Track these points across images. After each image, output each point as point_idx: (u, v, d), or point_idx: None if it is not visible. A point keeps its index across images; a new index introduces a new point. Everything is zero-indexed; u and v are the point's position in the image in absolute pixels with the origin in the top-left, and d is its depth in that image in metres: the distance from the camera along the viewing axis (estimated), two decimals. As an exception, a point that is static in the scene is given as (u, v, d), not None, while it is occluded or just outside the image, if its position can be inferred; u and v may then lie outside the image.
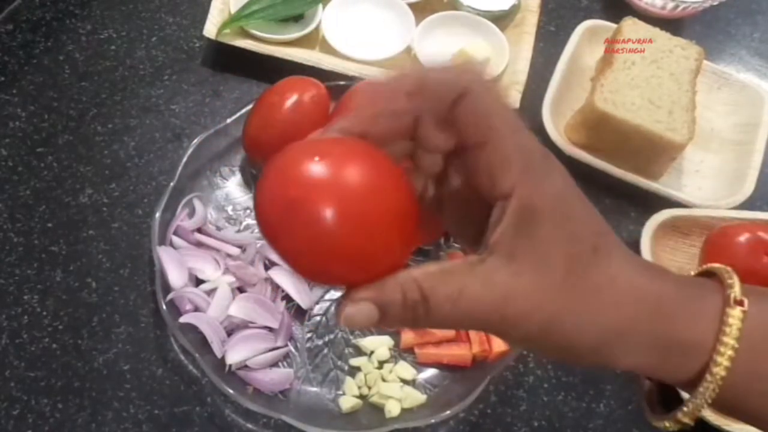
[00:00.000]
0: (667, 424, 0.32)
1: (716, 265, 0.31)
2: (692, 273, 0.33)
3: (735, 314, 0.28)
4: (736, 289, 0.29)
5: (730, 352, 0.28)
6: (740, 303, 0.29)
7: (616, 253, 0.29)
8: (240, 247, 0.58)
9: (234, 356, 0.53)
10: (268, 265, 0.58)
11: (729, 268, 0.30)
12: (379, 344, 0.57)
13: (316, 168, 0.26)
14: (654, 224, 0.62)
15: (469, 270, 0.28)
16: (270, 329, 0.55)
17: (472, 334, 0.56)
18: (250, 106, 0.61)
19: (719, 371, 0.28)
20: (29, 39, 0.70)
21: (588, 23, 0.72)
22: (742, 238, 0.59)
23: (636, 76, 0.66)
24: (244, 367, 0.54)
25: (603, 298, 0.28)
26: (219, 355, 0.53)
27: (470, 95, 0.28)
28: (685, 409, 0.30)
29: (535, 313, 0.28)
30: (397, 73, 0.29)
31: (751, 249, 0.58)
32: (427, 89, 0.29)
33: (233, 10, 0.69)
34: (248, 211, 0.61)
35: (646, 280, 0.29)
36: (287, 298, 0.57)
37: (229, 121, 0.61)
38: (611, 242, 0.29)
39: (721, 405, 0.30)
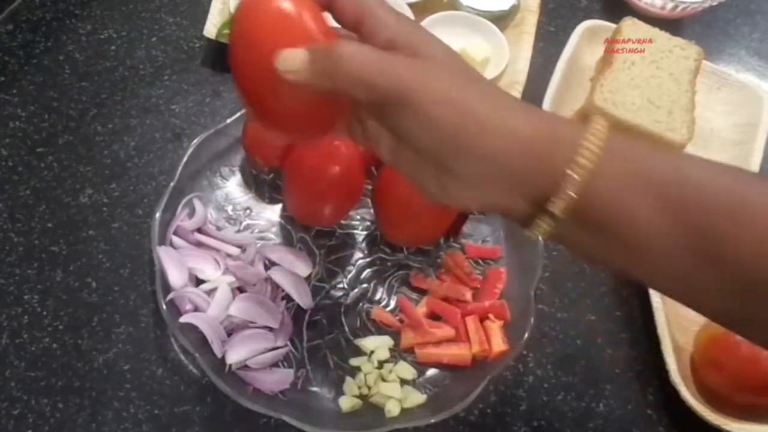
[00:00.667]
0: (543, 226, 0.34)
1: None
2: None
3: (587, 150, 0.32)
4: (597, 129, 0.33)
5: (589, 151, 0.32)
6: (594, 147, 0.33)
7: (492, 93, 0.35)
8: (240, 247, 0.58)
9: (234, 356, 0.53)
10: (268, 265, 0.58)
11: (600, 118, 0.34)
12: (379, 344, 0.57)
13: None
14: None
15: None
16: (270, 329, 0.55)
17: (472, 334, 0.56)
18: (250, 106, 0.61)
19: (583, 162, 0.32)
20: (29, 39, 0.70)
21: (588, 23, 0.73)
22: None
23: (636, 76, 0.66)
24: (244, 367, 0.54)
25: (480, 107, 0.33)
26: (219, 355, 0.53)
27: None
28: (554, 202, 0.33)
29: (419, 88, 0.33)
30: None
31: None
32: None
33: (233, 10, 0.69)
34: (248, 211, 0.61)
35: (521, 122, 0.34)
36: (287, 298, 0.57)
37: (229, 121, 0.61)
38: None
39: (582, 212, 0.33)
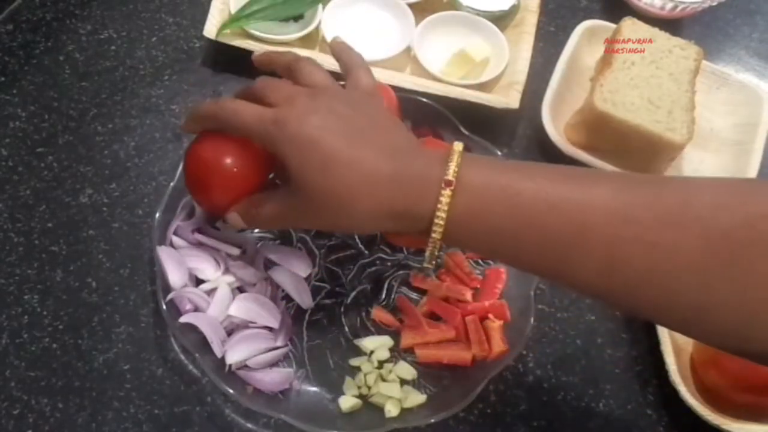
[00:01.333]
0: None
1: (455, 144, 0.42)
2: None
3: (445, 194, 0.41)
4: (451, 171, 0.41)
5: (441, 221, 0.41)
6: (449, 184, 0.41)
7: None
8: (240, 247, 0.58)
9: (234, 356, 0.53)
10: (268, 265, 0.58)
11: (457, 149, 0.42)
12: (379, 344, 0.57)
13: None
14: None
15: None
16: (270, 329, 0.55)
17: (472, 334, 0.56)
18: (250, 106, 0.61)
19: (436, 237, 0.42)
20: (29, 39, 0.70)
21: (587, 23, 0.73)
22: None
23: (635, 76, 0.66)
24: (244, 367, 0.54)
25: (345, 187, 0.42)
26: (219, 355, 0.53)
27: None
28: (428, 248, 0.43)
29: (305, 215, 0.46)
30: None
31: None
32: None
33: (233, 10, 0.69)
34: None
35: (383, 164, 0.42)
36: (287, 298, 0.57)
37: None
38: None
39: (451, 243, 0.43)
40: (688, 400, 0.54)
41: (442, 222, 0.41)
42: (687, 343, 0.59)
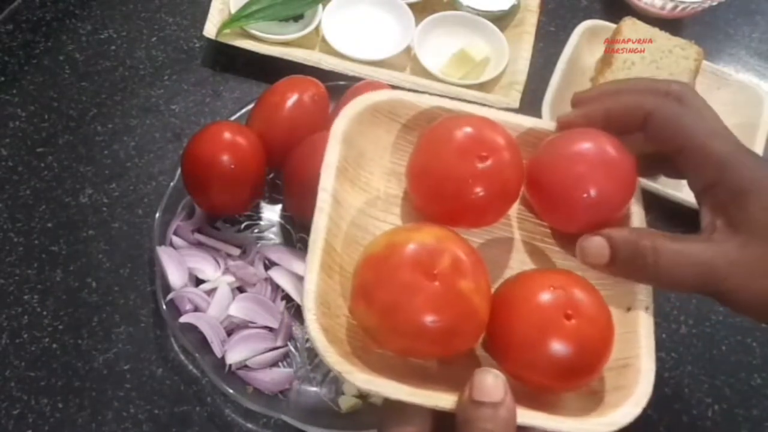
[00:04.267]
0: None
1: None
2: None
3: None
4: None
5: None
6: None
7: None
8: (240, 247, 0.58)
9: (234, 356, 0.53)
10: (268, 265, 0.58)
11: None
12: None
13: None
14: (363, 104, 0.42)
15: (694, 238, 0.35)
16: (270, 329, 0.55)
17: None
18: (250, 106, 0.61)
19: None
20: (29, 39, 0.70)
21: (587, 23, 0.73)
22: (459, 133, 0.40)
23: (635, 76, 0.66)
24: (244, 367, 0.54)
25: None
26: (219, 355, 0.53)
27: (653, 117, 0.37)
28: None
29: (754, 281, 0.33)
30: (580, 109, 0.41)
31: (465, 150, 0.40)
32: (613, 120, 0.39)
33: (233, 10, 0.69)
34: (248, 211, 0.61)
35: None
36: (287, 298, 0.57)
37: (229, 121, 0.61)
38: None
39: None
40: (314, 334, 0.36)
41: None
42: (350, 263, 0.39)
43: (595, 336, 0.35)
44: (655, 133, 0.38)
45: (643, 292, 0.39)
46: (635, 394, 0.37)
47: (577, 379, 0.36)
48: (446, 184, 0.39)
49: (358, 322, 0.37)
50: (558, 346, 0.35)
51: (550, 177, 0.40)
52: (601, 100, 0.40)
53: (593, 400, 0.37)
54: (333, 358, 0.35)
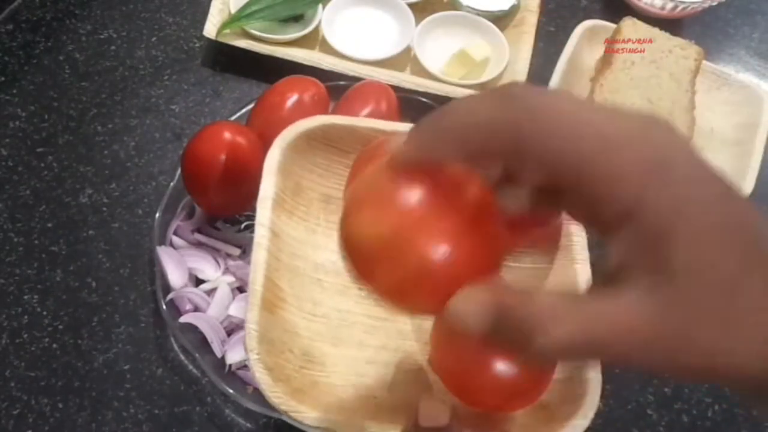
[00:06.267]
0: None
1: None
2: None
3: None
4: None
5: None
6: None
7: None
8: (240, 247, 0.58)
9: (234, 356, 0.53)
10: (268, 265, 0.58)
11: None
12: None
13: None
14: (296, 132, 0.42)
15: (602, 297, 0.24)
16: (270, 329, 0.55)
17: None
18: (250, 106, 0.61)
19: None
20: (29, 39, 0.70)
21: (587, 23, 0.73)
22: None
23: (635, 76, 0.66)
24: (244, 367, 0.54)
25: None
26: (219, 355, 0.53)
27: (526, 138, 0.24)
28: None
29: (680, 349, 0.23)
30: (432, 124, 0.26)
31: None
32: (474, 146, 0.25)
33: (233, 10, 0.69)
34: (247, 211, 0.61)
35: None
36: (287, 298, 0.57)
37: (229, 121, 0.61)
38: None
39: None
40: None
41: None
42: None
43: None
44: (538, 164, 0.24)
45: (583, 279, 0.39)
46: (583, 405, 0.37)
47: (523, 398, 0.36)
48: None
49: (352, 241, 0.29)
50: (501, 366, 0.34)
51: None
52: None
53: (544, 415, 0.37)
54: (279, 398, 0.34)
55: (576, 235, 0.41)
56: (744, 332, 0.23)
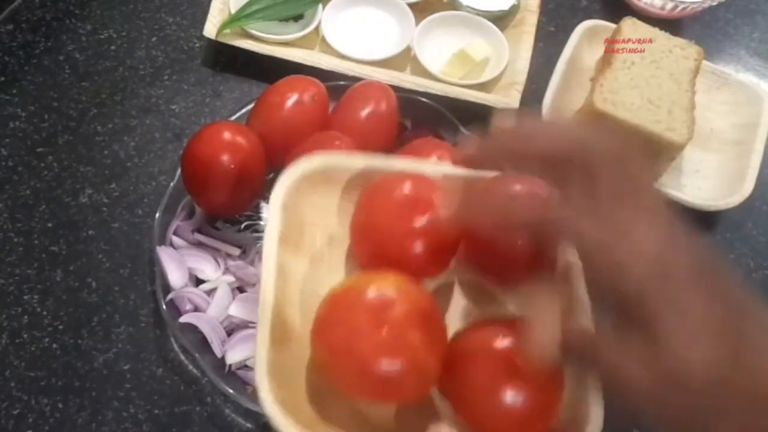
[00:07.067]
0: None
1: None
2: None
3: None
4: None
5: None
6: None
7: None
8: (240, 247, 0.58)
9: (234, 356, 0.53)
10: (268, 265, 0.58)
11: None
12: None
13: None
14: (299, 173, 0.42)
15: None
16: (270, 329, 0.55)
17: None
18: (250, 106, 0.61)
19: None
20: (29, 39, 0.70)
21: (587, 23, 0.73)
22: (396, 191, 0.41)
23: (635, 76, 0.66)
24: (244, 367, 0.54)
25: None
26: (219, 355, 0.53)
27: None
28: None
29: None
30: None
31: (403, 208, 0.40)
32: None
33: (233, 10, 0.69)
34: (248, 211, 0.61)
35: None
36: (287, 298, 0.57)
37: (229, 121, 0.61)
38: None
39: None
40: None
41: None
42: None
43: (547, 382, 0.36)
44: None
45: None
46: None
47: (532, 426, 0.37)
48: (386, 242, 0.40)
49: (313, 356, 0.38)
50: (511, 395, 0.35)
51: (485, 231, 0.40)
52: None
53: None
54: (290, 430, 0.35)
55: (575, 265, 0.42)
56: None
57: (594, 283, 0.35)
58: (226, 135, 0.55)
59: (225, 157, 0.54)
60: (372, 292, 0.36)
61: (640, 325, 0.31)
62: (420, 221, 0.39)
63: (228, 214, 0.60)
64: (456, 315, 0.43)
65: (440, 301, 0.43)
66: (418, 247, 0.39)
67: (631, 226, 0.31)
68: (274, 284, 0.38)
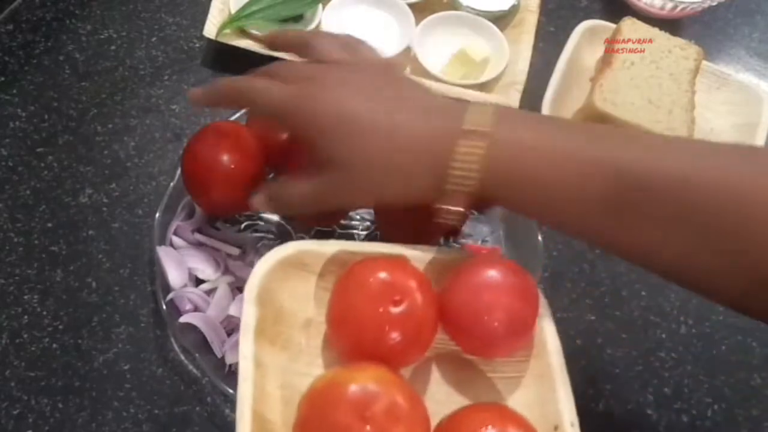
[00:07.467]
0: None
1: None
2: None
3: (476, 145, 0.39)
4: (486, 120, 0.40)
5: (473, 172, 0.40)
6: (483, 135, 0.39)
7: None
8: (240, 247, 0.58)
9: (234, 356, 0.53)
10: (268, 265, 0.58)
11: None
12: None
13: None
14: (272, 261, 0.43)
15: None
16: (270, 329, 0.55)
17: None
18: (250, 106, 0.61)
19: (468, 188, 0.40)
20: (29, 39, 0.70)
21: (587, 23, 0.73)
22: (371, 279, 0.41)
23: (635, 76, 0.66)
24: (244, 367, 0.54)
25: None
26: (219, 355, 0.53)
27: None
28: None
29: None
30: None
31: (378, 296, 0.41)
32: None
33: (233, 10, 0.69)
34: (248, 211, 0.61)
35: (420, 125, 0.41)
36: (287, 298, 0.57)
37: (229, 120, 0.61)
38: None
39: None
40: None
41: (474, 174, 0.39)
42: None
43: None
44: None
45: (568, 410, 0.41)
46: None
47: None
48: (363, 331, 0.40)
49: None
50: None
51: (462, 310, 0.41)
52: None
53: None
54: None
55: (551, 344, 0.44)
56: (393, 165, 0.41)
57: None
58: (227, 135, 0.55)
59: (225, 157, 0.54)
60: (353, 389, 0.36)
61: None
62: (396, 309, 0.39)
63: (228, 213, 0.60)
64: (437, 397, 0.43)
65: (420, 381, 0.43)
66: (396, 336, 0.39)
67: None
68: (252, 381, 0.38)
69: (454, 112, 0.41)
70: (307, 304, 0.44)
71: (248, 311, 0.40)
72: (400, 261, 0.42)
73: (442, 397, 0.43)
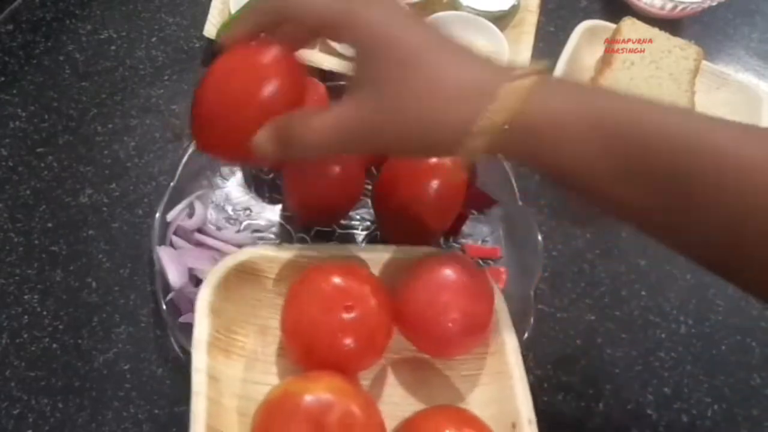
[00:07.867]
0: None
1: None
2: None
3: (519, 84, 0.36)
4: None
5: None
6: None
7: (438, 58, 0.38)
8: (240, 247, 0.58)
9: (234, 356, 0.53)
10: (268, 265, 0.58)
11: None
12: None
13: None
14: (223, 270, 0.43)
15: (335, 106, 0.39)
16: (270, 329, 0.55)
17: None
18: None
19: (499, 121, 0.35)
20: (29, 39, 0.70)
21: (587, 23, 0.73)
22: (324, 285, 0.41)
23: (635, 76, 0.66)
24: (244, 366, 0.54)
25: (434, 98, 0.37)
26: (219, 355, 0.53)
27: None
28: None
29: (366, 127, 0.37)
30: None
31: (331, 302, 0.41)
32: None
33: (233, 10, 0.69)
34: (248, 212, 0.61)
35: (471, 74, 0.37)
36: (287, 298, 0.57)
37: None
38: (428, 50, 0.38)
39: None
40: None
41: (510, 113, 0.35)
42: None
43: None
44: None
45: (525, 407, 0.41)
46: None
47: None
48: (316, 338, 0.39)
49: None
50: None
51: (416, 310, 0.41)
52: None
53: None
54: None
55: (508, 342, 0.44)
56: (432, 102, 0.36)
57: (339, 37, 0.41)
58: (268, 57, 0.43)
59: (269, 88, 0.42)
60: (307, 399, 0.36)
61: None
62: (348, 315, 0.39)
63: (229, 157, 0.52)
64: (394, 399, 0.43)
65: (377, 384, 0.43)
66: (349, 342, 0.39)
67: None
68: (206, 395, 0.38)
69: (500, 62, 0.39)
70: (262, 310, 0.44)
71: (200, 323, 0.40)
72: (354, 266, 0.41)
73: (398, 399, 0.43)
